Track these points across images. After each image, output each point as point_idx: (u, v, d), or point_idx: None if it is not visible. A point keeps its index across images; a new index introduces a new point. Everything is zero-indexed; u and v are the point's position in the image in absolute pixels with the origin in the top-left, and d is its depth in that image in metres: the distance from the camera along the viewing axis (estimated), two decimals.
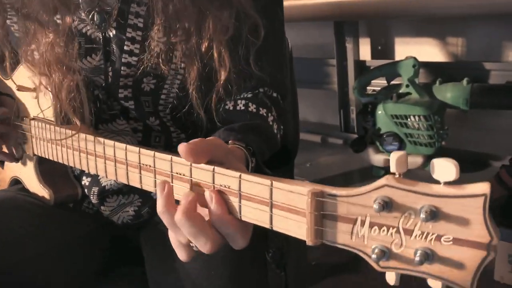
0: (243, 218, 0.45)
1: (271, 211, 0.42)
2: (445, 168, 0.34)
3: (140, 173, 0.55)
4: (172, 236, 0.48)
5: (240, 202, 0.45)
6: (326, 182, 1.43)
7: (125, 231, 0.81)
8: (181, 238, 0.47)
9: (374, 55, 1.66)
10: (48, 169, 0.77)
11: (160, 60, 0.68)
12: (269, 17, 0.71)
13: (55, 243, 0.75)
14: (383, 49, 1.65)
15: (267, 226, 0.43)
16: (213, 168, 0.46)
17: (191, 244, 0.47)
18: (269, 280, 0.71)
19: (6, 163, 0.85)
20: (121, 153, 0.57)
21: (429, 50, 1.57)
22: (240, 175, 0.44)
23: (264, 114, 0.70)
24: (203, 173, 0.47)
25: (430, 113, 1.36)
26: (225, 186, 0.46)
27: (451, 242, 0.34)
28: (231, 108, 0.70)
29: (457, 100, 1.38)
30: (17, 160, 0.81)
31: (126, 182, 0.57)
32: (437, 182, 0.35)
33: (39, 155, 0.74)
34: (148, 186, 0.54)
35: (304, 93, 1.64)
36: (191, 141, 0.46)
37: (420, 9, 1.30)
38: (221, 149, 0.49)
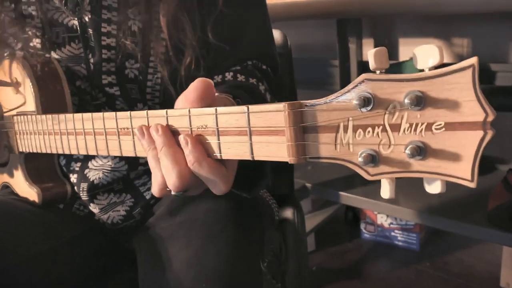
0: (224, 156, 0.42)
1: (250, 139, 0.39)
2: (427, 52, 0.32)
3: (119, 138, 0.52)
4: (152, 170, 0.47)
5: (218, 139, 0.42)
6: (327, 186, 1.39)
7: (118, 235, 0.77)
8: (158, 175, 0.46)
9: None
10: (34, 167, 0.74)
11: (135, 39, 0.66)
12: None
13: (43, 246, 0.71)
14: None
15: (248, 157, 0.39)
16: (188, 110, 0.43)
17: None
18: None
19: None
20: (99, 123, 0.54)
21: None
22: (216, 109, 0.41)
23: (255, 83, 0.68)
24: (179, 119, 0.45)
25: None
26: (202, 127, 0.43)
27: (443, 129, 0.31)
28: (219, 80, 0.69)
29: None
30: (0, 165, 0.78)
31: (107, 153, 0.54)
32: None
33: (24, 150, 0.71)
34: (127, 151, 0.51)
35: (306, 94, 1.62)
36: (204, 80, 0.44)
37: (424, 5, 1.29)
38: (212, 95, 0.46)
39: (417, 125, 0.32)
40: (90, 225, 0.76)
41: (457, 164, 0.31)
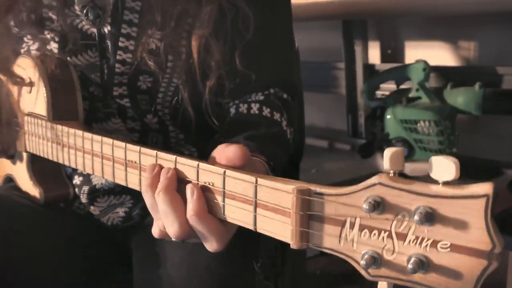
0: (227, 219, 0.42)
1: (255, 210, 0.39)
2: (444, 166, 0.31)
3: (126, 170, 0.52)
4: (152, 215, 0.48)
5: (224, 201, 0.42)
6: None
7: (116, 234, 0.78)
8: (159, 221, 0.47)
9: (384, 59, 1.61)
10: (40, 168, 0.74)
11: (153, 57, 0.66)
12: (265, 9, 0.69)
13: (42, 244, 0.72)
14: (393, 53, 1.60)
15: (250, 227, 0.40)
16: (198, 164, 0.43)
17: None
18: None
19: (0, 160, 0.83)
20: (108, 148, 0.54)
21: (440, 54, 1.52)
22: (225, 172, 0.41)
23: (279, 120, 0.68)
24: (187, 169, 0.44)
25: (441, 118, 1.31)
26: (209, 184, 0.43)
27: (449, 249, 0.31)
28: (245, 111, 0.69)
29: (469, 105, 1.34)
30: (8, 156, 0.79)
31: (112, 180, 0.55)
32: (436, 182, 0.32)
33: (31, 151, 0.72)
34: (133, 184, 0.52)
35: (311, 97, 1.60)
36: (241, 146, 0.44)
37: (430, 5, 1.25)
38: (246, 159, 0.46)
39: (423, 239, 0.31)
40: (89, 224, 0.77)
41: (457, 285, 0.31)
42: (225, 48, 0.66)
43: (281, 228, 0.37)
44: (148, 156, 0.49)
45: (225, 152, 0.44)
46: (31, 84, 0.70)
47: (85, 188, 0.74)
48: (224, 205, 0.42)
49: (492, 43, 1.46)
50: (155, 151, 0.48)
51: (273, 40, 0.73)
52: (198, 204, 0.43)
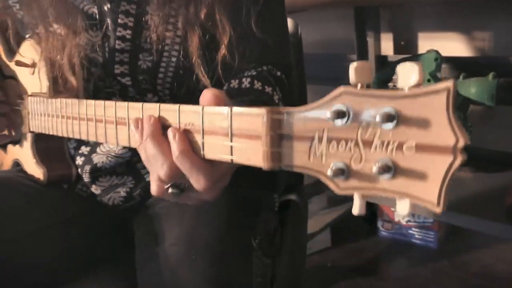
0: (206, 156, 0.42)
1: (231, 140, 0.39)
2: (408, 71, 0.31)
3: (116, 128, 0.53)
4: (148, 169, 0.49)
5: (203, 138, 0.42)
6: None
7: (118, 215, 0.79)
8: (153, 173, 0.47)
9: (397, 50, 1.60)
10: (43, 148, 0.76)
11: (154, 34, 0.67)
12: None
13: (43, 223, 0.73)
14: (406, 44, 1.59)
15: (228, 159, 0.40)
16: (178, 107, 0.44)
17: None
18: (258, 268, 0.66)
19: (8, 147, 0.86)
20: (100, 110, 0.55)
21: (453, 45, 1.50)
22: (203, 108, 0.41)
23: (270, 92, 0.68)
24: (169, 113, 0.45)
25: None
26: (189, 124, 0.43)
27: (414, 150, 0.30)
28: (236, 86, 0.69)
29: (482, 96, 1.30)
30: (14, 141, 0.81)
31: (104, 141, 0.56)
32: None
33: (34, 130, 0.74)
34: (123, 140, 0.52)
35: (321, 90, 1.59)
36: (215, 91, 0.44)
37: None
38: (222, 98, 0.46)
39: (388, 143, 0.31)
40: (92, 205, 0.78)
41: (425, 187, 0.30)
42: (241, 18, 0.66)
43: (254, 153, 0.37)
44: (135, 110, 0.50)
45: (203, 98, 0.44)
46: (33, 65, 0.73)
47: (87, 168, 0.75)
48: (203, 143, 0.42)
49: (507, 33, 1.43)
50: (140, 104, 0.49)
51: (269, 19, 0.73)
52: (180, 144, 0.43)
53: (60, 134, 0.65)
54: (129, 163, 0.76)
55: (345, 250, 1.67)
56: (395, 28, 1.62)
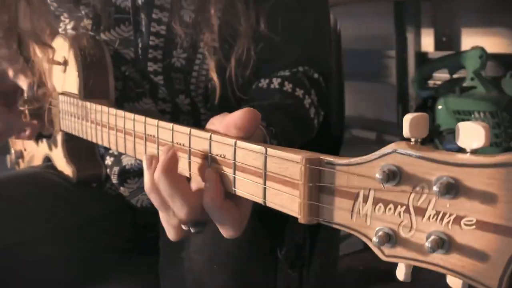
0: (238, 192, 0.39)
1: (264, 183, 0.36)
2: (472, 132, 0.27)
3: (145, 144, 0.50)
4: (161, 215, 0.44)
5: (234, 173, 0.39)
6: None
7: (146, 217, 0.78)
8: (171, 218, 0.43)
9: (438, 47, 1.52)
10: (74, 147, 0.75)
11: (186, 29, 0.64)
12: None
13: (70, 223, 0.72)
14: (448, 40, 1.51)
15: (260, 201, 0.37)
16: (210, 136, 0.41)
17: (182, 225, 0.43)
18: (282, 281, 0.63)
19: (40, 141, 0.85)
20: (129, 123, 0.53)
21: (499, 41, 1.42)
22: (235, 143, 0.38)
23: (300, 96, 0.63)
24: (200, 142, 0.42)
25: (497, 110, 1.23)
26: (221, 156, 0.40)
27: (474, 226, 0.26)
28: (265, 86, 0.65)
29: None
30: (46, 136, 0.80)
31: (133, 155, 0.53)
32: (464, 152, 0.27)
33: (65, 130, 0.72)
34: None
35: (359, 87, 1.54)
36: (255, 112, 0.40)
37: None
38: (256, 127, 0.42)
39: (444, 214, 0.27)
40: (120, 205, 0.77)
41: (484, 269, 0.26)
42: (251, 12, 0.63)
43: (290, 201, 0.34)
44: (166, 130, 0.47)
45: (234, 115, 0.40)
46: (65, 63, 0.71)
47: (116, 169, 0.74)
48: (235, 178, 0.39)
49: None
50: (171, 124, 0.46)
51: (303, 10, 0.68)
52: (215, 191, 0.39)
53: (89, 139, 0.64)
54: None
55: (371, 254, 1.63)
56: (437, 23, 1.54)
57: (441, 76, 1.39)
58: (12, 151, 0.94)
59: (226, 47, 0.64)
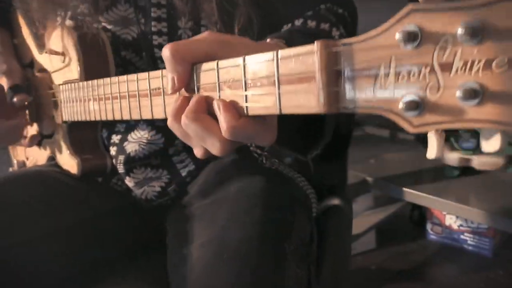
0: (250, 112, 0.37)
1: (278, 88, 0.34)
2: None
3: (151, 100, 0.49)
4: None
5: (245, 92, 0.37)
6: (391, 181, 1.26)
7: (152, 213, 0.75)
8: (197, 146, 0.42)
9: None
10: (78, 138, 0.74)
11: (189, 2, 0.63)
12: None
13: (74, 221, 0.70)
14: None
15: (275, 111, 0.35)
16: (217, 63, 0.40)
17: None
18: (290, 278, 0.59)
19: (44, 142, 0.84)
20: (133, 84, 0.52)
21: None
22: (244, 58, 0.37)
23: (327, 29, 0.60)
24: (207, 74, 0.41)
25: None
26: (229, 80, 0.39)
27: (506, 66, 0.25)
28: (285, 27, 0.62)
29: None
30: (47, 136, 0.79)
31: (139, 117, 0.52)
32: None
33: (67, 119, 0.71)
34: (158, 113, 0.49)
35: None
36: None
37: None
38: (213, 44, 0.40)
39: (473, 62, 0.26)
40: (126, 201, 0.75)
41: None
42: None
43: (307, 98, 0.32)
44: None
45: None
46: (64, 54, 0.71)
47: (121, 158, 0.72)
48: (246, 97, 0.37)
49: None
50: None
51: None
52: (227, 117, 0.38)
53: (92, 118, 0.62)
54: (164, 155, 0.72)
55: (391, 252, 1.59)
56: None
57: None
58: (15, 162, 0.93)
59: (225, 18, 0.63)
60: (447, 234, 1.58)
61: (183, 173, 0.72)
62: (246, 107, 0.37)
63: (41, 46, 0.79)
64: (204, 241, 0.58)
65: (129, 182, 0.73)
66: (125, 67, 0.70)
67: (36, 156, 0.86)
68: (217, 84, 0.40)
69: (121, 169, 0.72)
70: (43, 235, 0.66)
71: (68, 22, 0.71)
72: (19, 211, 0.67)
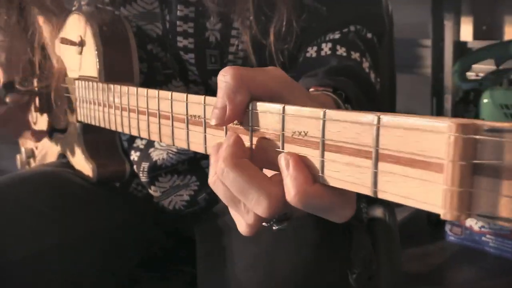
0: (327, 181, 0.29)
1: (375, 166, 0.26)
2: None
3: (187, 128, 0.40)
4: (232, 211, 0.35)
5: (323, 155, 0.29)
6: None
7: (178, 221, 0.68)
8: (245, 214, 0.33)
9: (477, 36, 1.42)
10: (93, 140, 0.66)
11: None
12: None
13: (92, 227, 0.63)
14: (488, 29, 1.41)
15: (368, 191, 0.26)
16: (283, 108, 0.31)
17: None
18: None
19: (55, 135, 0.76)
20: (166, 104, 0.43)
21: None
22: (325, 112, 0.28)
23: (358, 59, 0.54)
24: (267, 117, 0.32)
25: None
26: (300, 133, 0.30)
27: None
28: (314, 55, 0.56)
29: None
30: (60, 130, 0.71)
31: (171, 143, 0.43)
32: None
33: (83, 120, 0.63)
34: (196, 144, 0.40)
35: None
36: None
37: None
38: (280, 82, 0.33)
39: None
40: (147, 208, 0.67)
41: None
42: None
43: (423, 189, 0.24)
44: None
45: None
46: (81, 43, 0.61)
47: (145, 165, 0.64)
48: (323, 162, 0.29)
49: None
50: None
51: None
52: (300, 178, 0.29)
53: (113, 128, 0.54)
54: (192, 160, 0.64)
55: (408, 254, 1.53)
56: (477, 11, 1.43)
57: (482, 67, 1.29)
58: (23, 150, 0.85)
59: (263, 19, 0.55)
60: (467, 236, 1.52)
61: None
62: (323, 173, 0.29)
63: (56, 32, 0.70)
64: (248, 260, 0.51)
65: (154, 192, 0.66)
66: (150, 63, 0.62)
67: (46, 148, 0.78)
68: (281, 134, 0.31)
69: (144, 177, 0.65)
70: (55, 245, 0.60)
71: (85, 9, 0.61)
72: (30, 219, 0.60)
